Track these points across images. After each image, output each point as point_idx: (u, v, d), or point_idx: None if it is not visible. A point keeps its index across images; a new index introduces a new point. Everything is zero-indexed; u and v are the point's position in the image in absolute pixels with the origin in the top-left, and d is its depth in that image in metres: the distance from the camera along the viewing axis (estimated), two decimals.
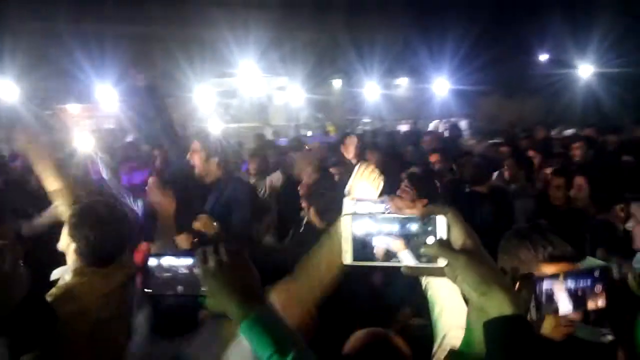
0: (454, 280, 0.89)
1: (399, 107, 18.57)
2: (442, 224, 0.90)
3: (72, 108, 16.78)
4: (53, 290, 1.88)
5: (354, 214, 0.94)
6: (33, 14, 15.91)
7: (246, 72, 18.30)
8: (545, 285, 1.06)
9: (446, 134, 10.57)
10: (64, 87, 14.98)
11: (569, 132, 9.34)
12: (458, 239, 0.90)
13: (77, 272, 1.95)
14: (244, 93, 19.88)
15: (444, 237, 0.90)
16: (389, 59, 19.48)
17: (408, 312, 3.29)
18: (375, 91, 19.32)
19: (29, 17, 15.91)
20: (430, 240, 0.90)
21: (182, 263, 1.10)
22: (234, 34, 17.71)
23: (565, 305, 1.06)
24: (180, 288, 1.09)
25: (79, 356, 1.72)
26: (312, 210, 2.98)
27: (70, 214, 2.09)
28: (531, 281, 1.04)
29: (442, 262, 0.88)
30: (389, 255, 0.92)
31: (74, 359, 1.72)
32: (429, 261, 0.89)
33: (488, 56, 17.64)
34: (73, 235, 2.01)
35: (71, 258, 2.04)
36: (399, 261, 0.91)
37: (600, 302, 1.10)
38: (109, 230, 2.00)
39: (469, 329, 0.98)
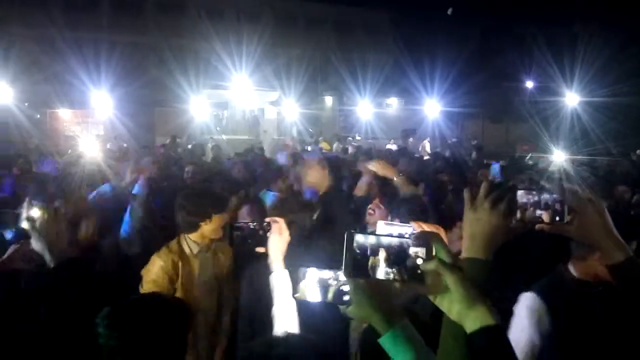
0: (438, 295, 1.03)
1: (390, 126, 18.89)
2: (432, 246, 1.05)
3: (63, 113, 16.59)
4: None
5: (356, 230, 1.08)
6: (29, 21, 15.87)
7: (239, 85, 18.41)
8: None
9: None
10: (56, 92, 14.86)
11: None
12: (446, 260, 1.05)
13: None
14: (236, 105, 19.98)
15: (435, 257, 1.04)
16: (379, 79, 19.88)
17: None
18: (366, 109, 19.63)
19: (24, 23, 15.86)
20: (421, 260, 1.03)
21: (327, 276, 1.28)
22: (228, 47, 17.87)
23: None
24: (326, 296, 1.25)
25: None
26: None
27: (192, 202, 2.65)
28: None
29: (429, 279, 1.02)
30: (383, 272, 1.04)
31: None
32: (416, 279, 1.03)
33: (475, 80, 18.18)
34: (200, 215, 2.59)
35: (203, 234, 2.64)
36: (392, 277, 1.04)
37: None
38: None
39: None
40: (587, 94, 16.51)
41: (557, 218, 1.25)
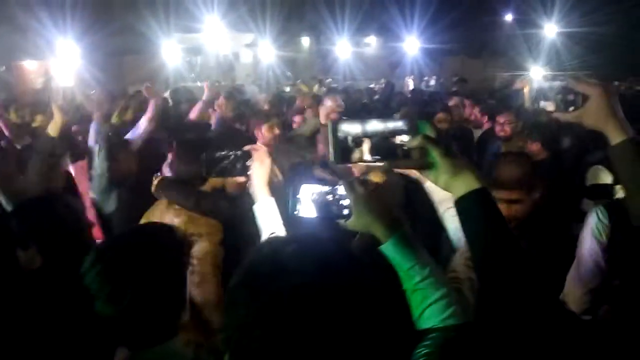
0: (427, 169, 1.08)
1: (369, 67, 18.55)
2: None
3: (29, 64, 15.91)
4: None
5: (340, 119, 1.10)
6: None
7: (211, 28, 17.71)
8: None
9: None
10: (20, 43, 14.14)
11: None
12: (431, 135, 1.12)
13: None
14: (209, 50, 19.33)
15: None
16: (357, 17, 19.30)
17: None
18: (344, 50, 19.19)
19: None
20: (409, 137, 1.09)
21: (325, 190, 1.29)
22: None
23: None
24: (324, 211, 1.26)
25: None
26: None
27: None
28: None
29: (415, 156, 1.08)
30: (370, 156, 1.09)
31: None
32: (402, 158, 1.09)
33: (454, 15, 17.80)
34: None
35: None
36: (379, 160, 1.09)
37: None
38: None
39: None
40: (565, 24, 16.39)
41: (571, 108, 1.27)
